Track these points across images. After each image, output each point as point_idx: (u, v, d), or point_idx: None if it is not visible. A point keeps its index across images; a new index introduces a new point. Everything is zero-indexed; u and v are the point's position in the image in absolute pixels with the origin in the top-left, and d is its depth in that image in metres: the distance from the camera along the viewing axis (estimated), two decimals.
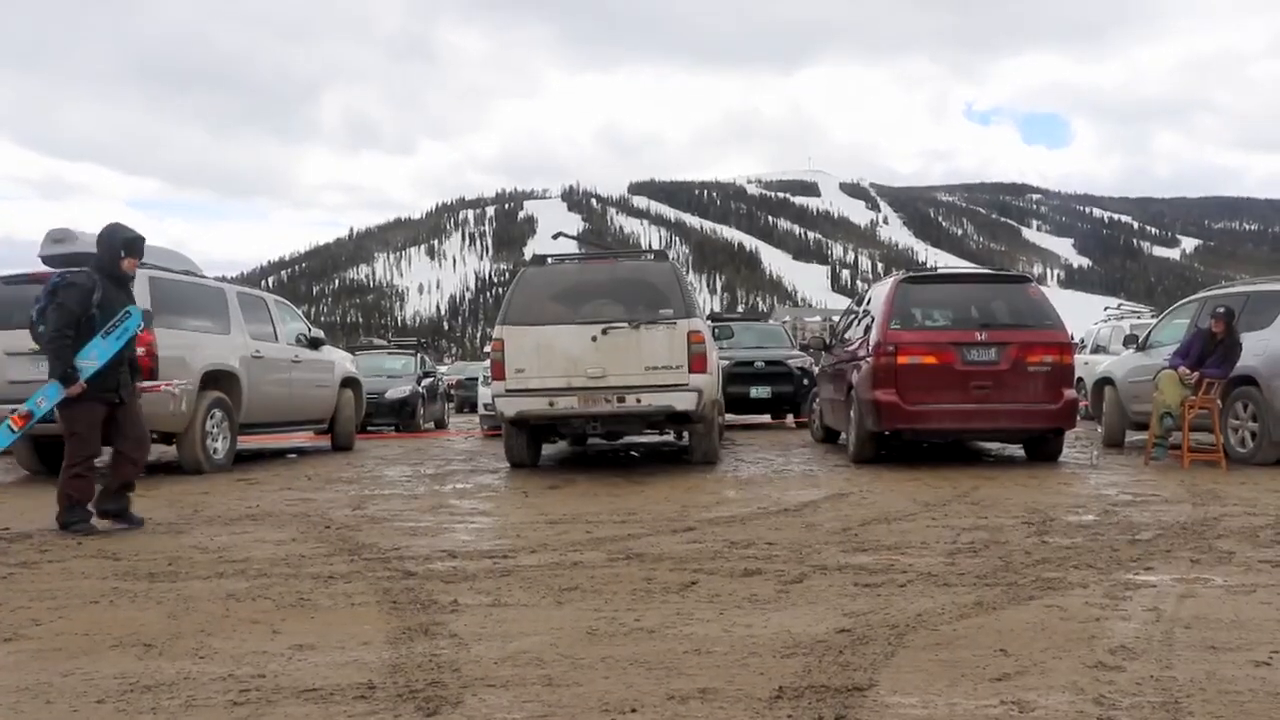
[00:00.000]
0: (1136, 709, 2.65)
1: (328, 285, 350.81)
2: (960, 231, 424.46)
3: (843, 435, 11.16)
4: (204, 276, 10.84)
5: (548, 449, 11.44)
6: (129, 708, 2.81)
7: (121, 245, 6.21)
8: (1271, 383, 9.12)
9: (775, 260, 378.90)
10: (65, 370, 5.96)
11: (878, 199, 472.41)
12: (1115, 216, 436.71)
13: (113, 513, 6.22)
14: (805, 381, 15.77)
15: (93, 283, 6.09)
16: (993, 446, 11.55)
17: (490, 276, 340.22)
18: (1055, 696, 2.77)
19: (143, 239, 6.39)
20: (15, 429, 6.16)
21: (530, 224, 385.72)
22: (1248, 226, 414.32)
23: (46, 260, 9.63)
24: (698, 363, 9.00)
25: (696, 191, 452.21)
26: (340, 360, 13.29)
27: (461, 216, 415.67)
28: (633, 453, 11.73)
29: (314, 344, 12.23)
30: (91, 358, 6.01)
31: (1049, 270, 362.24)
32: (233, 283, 11.70)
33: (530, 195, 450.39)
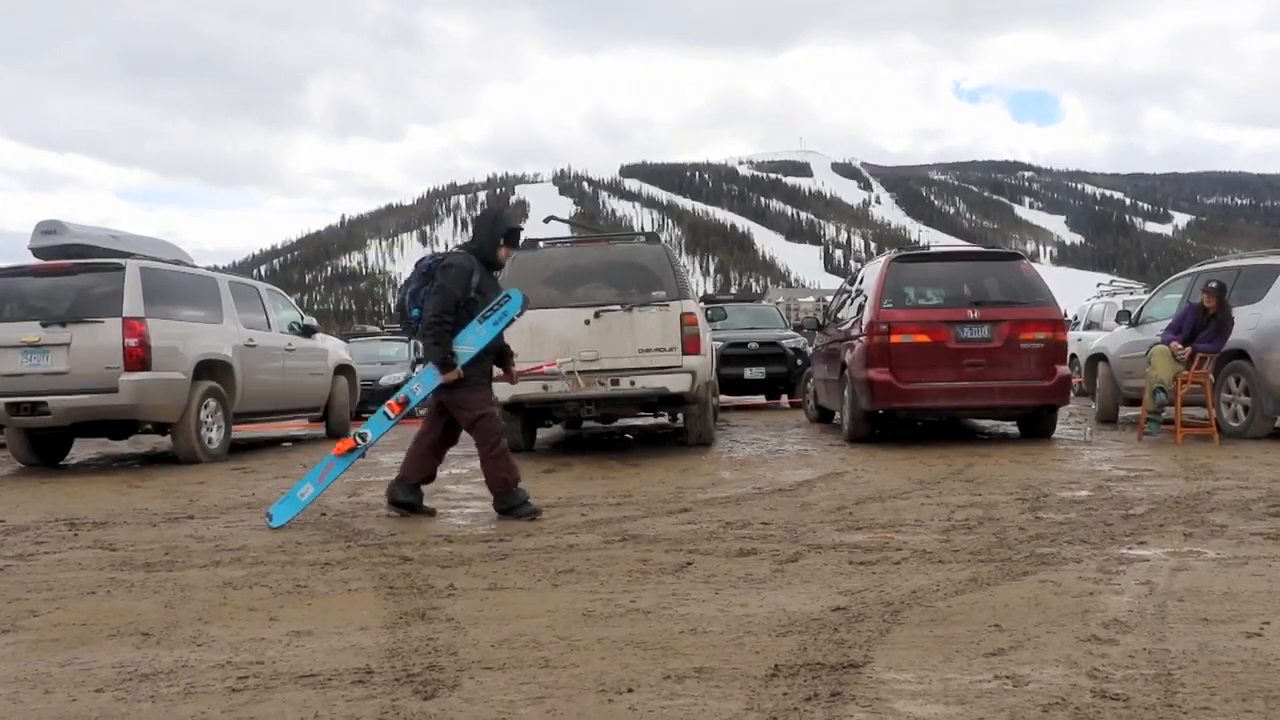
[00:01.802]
0: (1129, 681, 2.67)
1: (320, 273, 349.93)
2: (953, 210, 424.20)
3: (837, 415, 11.18)
4: (195, 266, 10.82)
5: (543, 433, 11.44)
6: (128, 696, 2.81)
7: (504, 233, 5.96)
8: (1264, 356, 9.14)
9: (768, 241, 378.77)
10: (445, 356, 5.72)
11: (870, 179, 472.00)
12: (1107, 193, 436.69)
13: (405, 505, 5.99)
14: (799, 362, 15.77)
15: (472, 265, 5.83)
16: (987, 424, 11.58)
17: None
18: (1049, 670, 2.79)
19: (522, 229, 6.21)
20: (391, 415, 5.97)
21: (522, 208, 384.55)
22: (1240, 201, 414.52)
23: (37, 252, 9.62)
24: (691, 344, 9.00)
25: (688, 173, 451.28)
26: (334, 348, 13.26)
27: (453, 202, 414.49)
28: (627, 435, 11.74)
29: (307, 332, 12.20)
30: (468, 343, 5.80)
31: (1042, 247, 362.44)
32: (225, 272, 11.67)
33: (521, 179, 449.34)
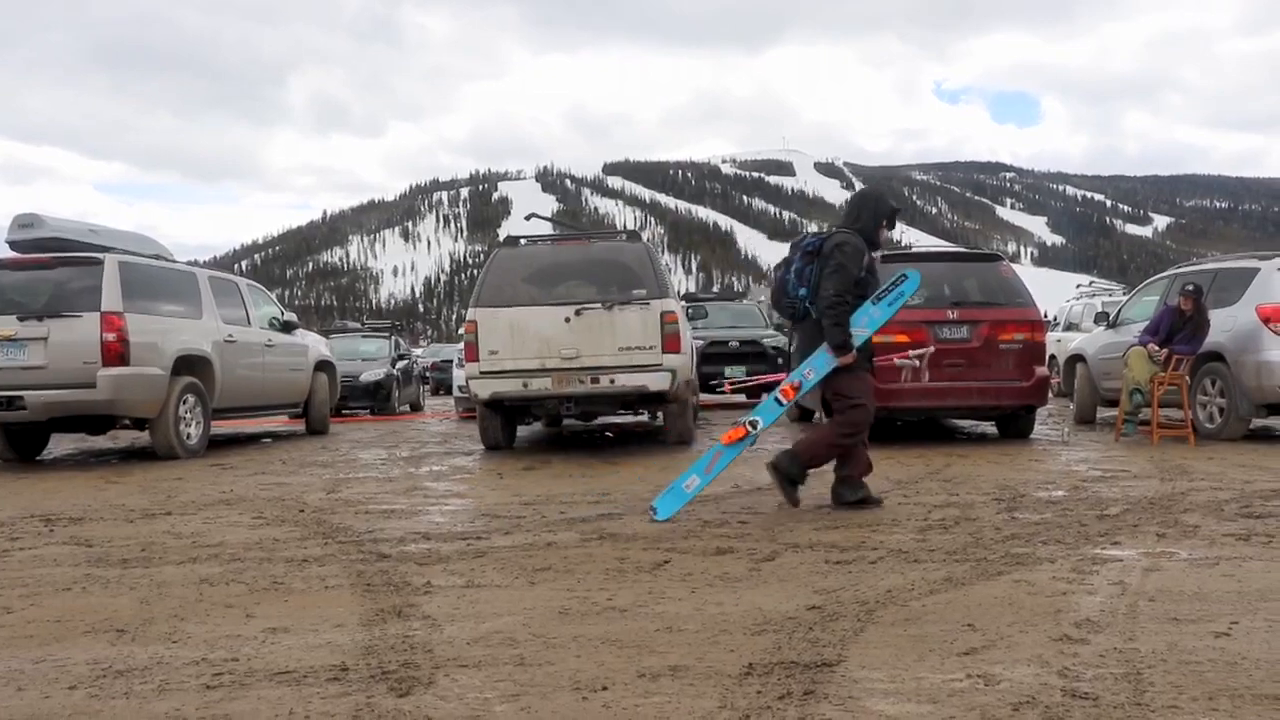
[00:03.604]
0: (1099, 680, 2.70)
1: (301, 268, 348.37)
2: (934, 210, 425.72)
3: (817, 414, 11.21)
4: (175, 261, 10.76)
5: (522, 430, 11.44)
6: (101, 693, 2.80)
7: (886, 214, 5.83)
8: (1239, 359, 9.23)
9: (750, 240, 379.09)
10: (844, 338, 5.51)
11: (852, 178, 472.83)
12: (1088, 194, 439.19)
13: (858, 502, 5.75)
14: (780, 361, 15.81)
15: (863, 244, 5.67)
16: (965, 424, 11.64)
17: (465, 258, 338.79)
18: (1020, 669, 2.81)
19: (899, 210, 6.11)
20: (784, 401, 5.73)
21: (504, 205, 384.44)
22: (1218, 204, 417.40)
23: (14, 245, 9.56)
24: (671, 343, 9.01)
25: (671, 171, 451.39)
26: (314, 343, 13.23)
27: (435, 198, 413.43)
28: (607, 433, 11.74)
29: (287, 327, 12.17)
30: (861, 325, 5.61)
31: (1023, 248, 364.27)
32: (205, 267, 11.63)
33: (504, 176, 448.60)
